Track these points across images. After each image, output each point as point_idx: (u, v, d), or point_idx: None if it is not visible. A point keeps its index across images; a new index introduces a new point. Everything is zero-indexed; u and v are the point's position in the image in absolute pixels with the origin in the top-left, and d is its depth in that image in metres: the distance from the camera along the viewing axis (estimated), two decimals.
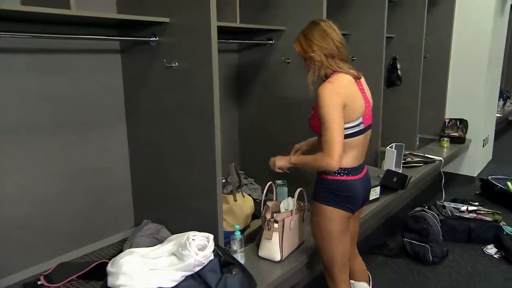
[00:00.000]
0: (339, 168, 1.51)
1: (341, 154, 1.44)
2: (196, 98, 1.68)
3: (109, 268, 1.34)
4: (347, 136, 1.50)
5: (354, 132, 1.52)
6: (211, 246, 1.45)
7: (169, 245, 1.52)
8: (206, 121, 1.65)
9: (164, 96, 1.83)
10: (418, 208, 2.89)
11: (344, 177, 1.54)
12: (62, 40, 1.76)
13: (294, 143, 2.48)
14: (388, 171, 2.56)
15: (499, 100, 5.02)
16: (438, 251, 2.53)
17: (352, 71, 1.56)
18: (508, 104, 6.20)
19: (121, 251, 1.63)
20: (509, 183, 3.48)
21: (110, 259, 1.43)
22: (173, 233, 1.72)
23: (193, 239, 1.45)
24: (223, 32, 2.18)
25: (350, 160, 1.55)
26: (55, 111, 1.79)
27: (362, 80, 1.63)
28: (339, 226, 1.57)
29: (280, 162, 1.72)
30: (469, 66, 3.88)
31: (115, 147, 2.05)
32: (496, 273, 2.40)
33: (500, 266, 2.48)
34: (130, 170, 2.12)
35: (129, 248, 1.62)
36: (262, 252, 1.76)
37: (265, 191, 1.78)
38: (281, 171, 1.74)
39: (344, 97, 1.46)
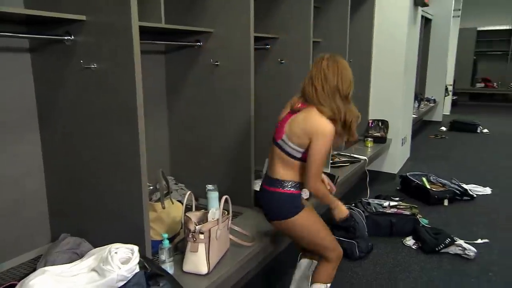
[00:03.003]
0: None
1: None
2: (118, 102, 1.58)
3: None
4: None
5: None
6: (135, 258, 1.37)
7: (89, 260, 1.40)
8: (130, 125, 1.56)
9: (83, 99, 1.70)
10: (346, 206, 3.03)
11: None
12: None
13: (225, 146, 2.46)
14: None
15: (414, 102, 5.47)
16: (364, 246, 2.66)
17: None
18: (422, 105, 6.78)
19: (35, 270, 1.47)
20: (424, 179, 3.80)
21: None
22: (95, 246, 1.60)
23: (115, 252, 1.36)
24: (147, 32, 2.09)
25: None
26: None
27: (300, 112, 1.73)
28: (316, 216, 1.85)
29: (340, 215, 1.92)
30: (388, 71, 4.16)
31: (26, 154, 1.85)
32: (414, 263, 2.59)
33: (417, 256, 2.68)
34: (45, 180, 1.93)
35: (43, 266, 1.47)
36: (187, 267, 1.65)
37: (185, 200, 1.74)
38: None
39: None
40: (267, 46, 3.00)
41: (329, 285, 1.84)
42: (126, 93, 1.54)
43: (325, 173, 2.66)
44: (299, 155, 1.71)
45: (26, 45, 1.78)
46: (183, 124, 2.61)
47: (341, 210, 1.87)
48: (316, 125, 1.65)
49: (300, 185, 1.77)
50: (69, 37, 1.63)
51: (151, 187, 2.07)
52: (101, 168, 1.71)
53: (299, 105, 1.74)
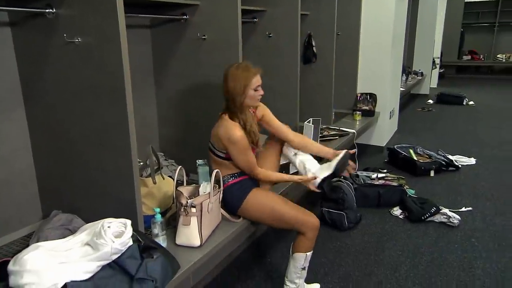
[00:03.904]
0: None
1: None
2: (104, 77, 1.56)
3: (11, 267, 1.21)
4: None
5: None
6: (128, 232, 1.39)
7: (82, 235, 1.42)
8: (117, 101, 1.54)
9: (68, 75, 1.67)
10: (335, 179, 3.08)
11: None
12: None
13: (214, 121, 2.44)
14: None
15: (402, 75, 5.49)
16: (353, 217, 2.73)
17: None
18: (410, 79, 6.81)
19: (27, 246, 1.48)
20: (411, 151, 3.86)
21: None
22: (87, 222, 1.61)
23: (108, 226, 1.37)
24: (131, 5, 2.03)
25: None
26: None
27: (219, 120, 1.86)
28: (266, 194, 1.88)
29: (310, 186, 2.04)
30: (376, 45, 4.14)
31: (13, 133, 1.83)
32: (401, 232, 2.67)
33: (404, 225, 2.76)
34: (33, 158, 1.92)
35: (36, 242, 1.48)
36: (180, 240, 1.68)
37: (176, 175, 1.74)
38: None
39: None
40: (255, 20, 2.95)
41: (309, 253, 1.88)
42: (112, 68, 1.51)
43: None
44: (224, 155, 1.85)
45: (6, 18, 1.72)
46: (171, 100, 2.58)
47: (307, 182, 2.00)
48: (224, 133, 1.78)
49: (238, 173, 1.89)
50: (51, 10, 1.58)
51: (141, 163, 2.07)
52: (90, 145, 1.70)
53: (221, 112, 1.86)
